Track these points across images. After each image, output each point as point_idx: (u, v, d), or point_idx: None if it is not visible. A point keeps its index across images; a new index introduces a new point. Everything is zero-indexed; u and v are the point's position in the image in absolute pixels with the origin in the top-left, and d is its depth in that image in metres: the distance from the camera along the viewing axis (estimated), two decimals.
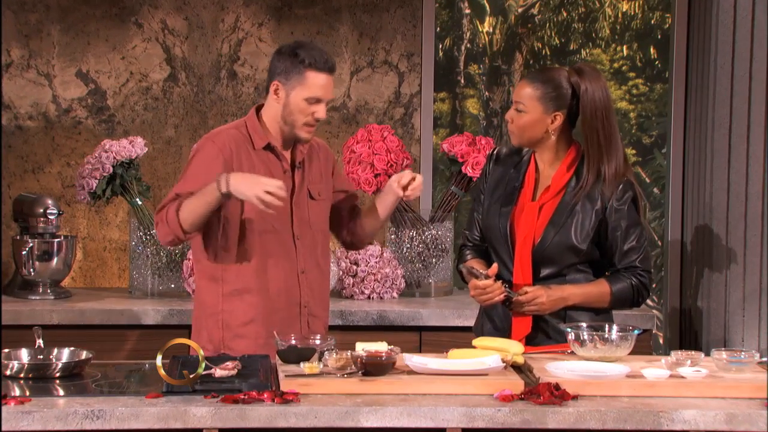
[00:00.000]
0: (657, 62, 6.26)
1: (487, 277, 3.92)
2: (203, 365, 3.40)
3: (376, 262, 5.21)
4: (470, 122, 6.25)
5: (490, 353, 3.63)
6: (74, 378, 3.57)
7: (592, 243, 3.98)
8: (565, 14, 6.25)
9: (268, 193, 3.75)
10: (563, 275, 4.00)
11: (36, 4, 5.49)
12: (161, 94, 5.57)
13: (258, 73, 5.57)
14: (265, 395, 3.32)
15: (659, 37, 6.22)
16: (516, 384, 3.43)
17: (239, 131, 4.04)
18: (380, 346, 3.57)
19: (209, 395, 3.35)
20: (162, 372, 3.37)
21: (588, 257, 4.00)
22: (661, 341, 5.90)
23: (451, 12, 6.23)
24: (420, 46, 5.61)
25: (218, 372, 3.46)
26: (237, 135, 4.02)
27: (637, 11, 6.27)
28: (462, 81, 6.22)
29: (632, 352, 3.76)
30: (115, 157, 5.13)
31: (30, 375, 3.55)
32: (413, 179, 3.96)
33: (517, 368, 3.68)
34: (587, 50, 6.27)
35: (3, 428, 3.19)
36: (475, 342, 3.77)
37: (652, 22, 6.26)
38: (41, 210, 5.16)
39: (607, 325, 3.80)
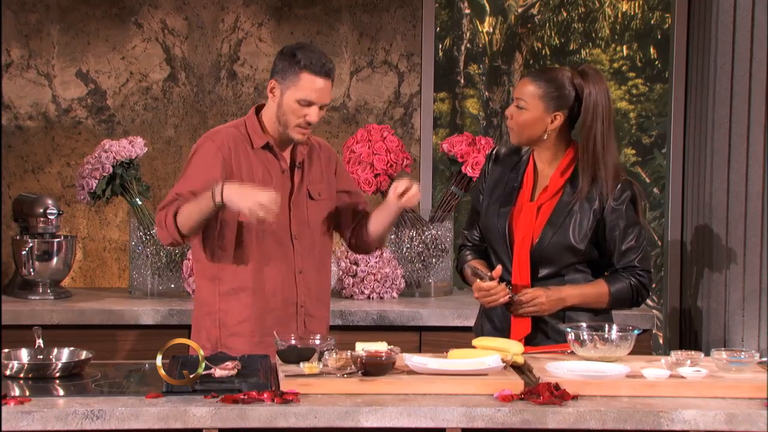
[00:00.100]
0: (657, 62, 6.26)
1: (491, 278, 3.92)
2: (203, 365, 3.40)
3: (376, 262, 5.21)
4: (470, 122, 6.25)
5: (490, 353, 3.63)
6: (74, 378, 3.57)
7: (591, 243, 3.98)
8: (565, 14, 6.25)
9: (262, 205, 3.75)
10: (561, 275, 4.00)
11: (36, 4, 5.49)
12: (161, 94, 5.57)
13: (258, 73, 5.57)
14: (265, 395, 3.32)
15: (659, 37, 6.22)
16: (516, 384, 3.43)
17: (238, 130, 4.04)
18: (380, 346, 3.57)
19: (209, 395, 3.35)
20: (162, 372, 3.37)
21: (586, 257, 4.00)
22: (661, 341, 5.90)
23: (451, 12, 6.23)
24: (420, 46, 5.61)
25: (218, 372, 3.46)
26: (236, 134, 4.03)
27: (636, 11, 6.27)
28: (462, 81, 6.22)
29: (632, 352, 3.76)
30: (114, 157, 5.13)
31: (30, 375, 3.55)
32: (410, 188, 3.94)
33: (517, 368, 3.68)
34: (587, 50, 6.27)
35: (3, 428, 3.19)
36: (475, 342, 3.77)
37: (652, 22, 6.26)
38: (41, 210, 5.16)
39: (606, 325, 3.80)
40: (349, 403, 3.31)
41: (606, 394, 3.43)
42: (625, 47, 6.28)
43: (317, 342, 3.68)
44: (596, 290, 3.98)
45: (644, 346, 4.77)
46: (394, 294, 5.25)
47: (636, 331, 3.76)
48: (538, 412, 3.29)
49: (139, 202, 5.19)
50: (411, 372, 3.52)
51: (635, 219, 3.99)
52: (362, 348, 3.56)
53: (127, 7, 5.53)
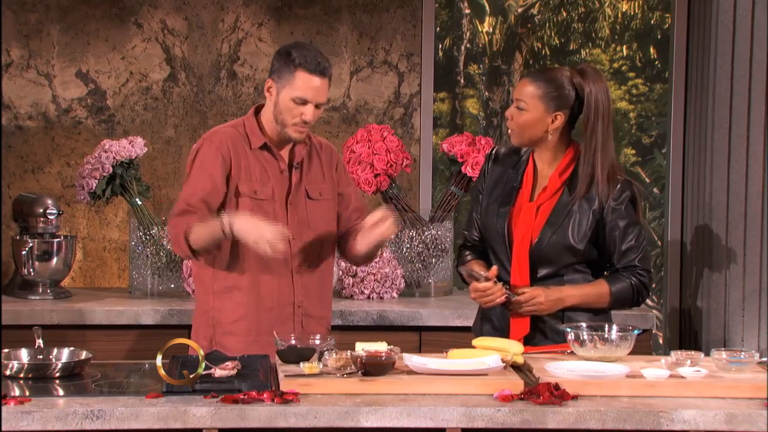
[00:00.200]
0: (657, 62, 6.26)
1: (487, 279, 3.92)
2: (203, 365, 3.40)
3: (375, 262, 5.21)
4: (470, 122, 6.25)
5: (489, 353, 3.63)
6: (74, 378, 3.57)
7: (590, 243, 3.98)
8: (564, 14, 6.25)
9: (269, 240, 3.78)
10: (561, 275, 3.99)
11: (36, 4, 5.49)
12: (161, 94, 5.57)
13: (258, 73, 5.57)
14: (265, 395, 3.32)
15: (659, 37, 6.22)
16: (516, 384, 3.43)
17: (236, 130, 4.05)
18: (380, 346, 3.57)
19: (209, 395, 3.35)
20: (162, 372, 3.37)
21: (586, 257, 3.99)
22: (660, 341, 5.90)
23: (451, 12, 6.23)
24: (420, 46, 5.61)
25: (218, 372, 3.46)
26: (234, 134, 4.03)
27: (636, 11, 6.28)
28: (462, 81, 6.22)
29: (632, 352, 3.76)
30: (114, 157, 5.13)
31: (30, 375, 3.55)
32: (386, 218, 3.93)
33: (517, 368, 3.68)
34: (587, 50, 6.28)
35: (3, 428, 3.19)
36: (475, 342, 3.77)
37: (652, 22, 6.26)
38: (41, 210, 5.16)
39: (606, 325, 3.80)
40: (349, 403, 3.31)
41: (606, 394, 3.43)
42: (625, 47, 6.29)
43: (317, 342, 3.68)
44: (597, 290, 3.97)
45: (644, 346, 4.77)
46: (394, 294, 5.25)
47: (636, 331, 3.75)
48: (538, 412, 3.29)
49: (139, 202, 5.19)
50: (411, 372, 3.52)
51: (635, 218, 3.98)
52: (362, 348, 3.56)
53: (127, 7, 5.53)
